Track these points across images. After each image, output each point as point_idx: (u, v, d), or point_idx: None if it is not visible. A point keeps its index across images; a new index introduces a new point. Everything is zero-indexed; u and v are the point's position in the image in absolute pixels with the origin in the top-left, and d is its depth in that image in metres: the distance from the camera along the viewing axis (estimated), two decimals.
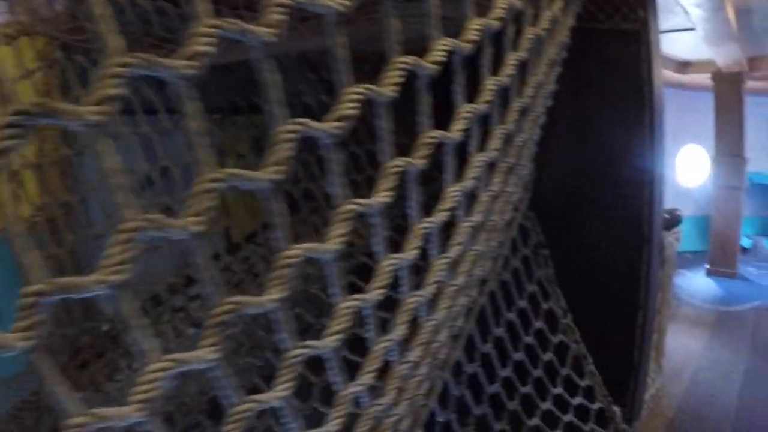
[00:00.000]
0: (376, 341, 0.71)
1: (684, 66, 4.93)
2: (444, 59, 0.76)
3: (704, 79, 5.04)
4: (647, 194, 2.10)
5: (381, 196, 0.65)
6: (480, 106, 0.97)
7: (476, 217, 1.06)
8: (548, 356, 1.94)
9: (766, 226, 6.48)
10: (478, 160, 1.01)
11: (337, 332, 0.60)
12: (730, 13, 3.05)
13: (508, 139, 1.24)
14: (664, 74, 4.82)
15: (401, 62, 0.66)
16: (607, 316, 2.16)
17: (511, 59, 1.12)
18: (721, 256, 5.06)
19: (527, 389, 1.86)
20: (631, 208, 2.11)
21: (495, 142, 1.14)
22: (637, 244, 2.13)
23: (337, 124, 0.56)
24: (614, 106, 2.12)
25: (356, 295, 0.64)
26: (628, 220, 2.11)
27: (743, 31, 3.54)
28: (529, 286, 1.86)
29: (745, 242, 5.89)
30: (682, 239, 5.91)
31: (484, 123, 1.05)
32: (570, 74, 1.75)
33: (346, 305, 0.63)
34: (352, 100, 0.58)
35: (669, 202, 6.09)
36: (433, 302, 0.93)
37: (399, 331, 0.77)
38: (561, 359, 1.99)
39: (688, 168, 6.27)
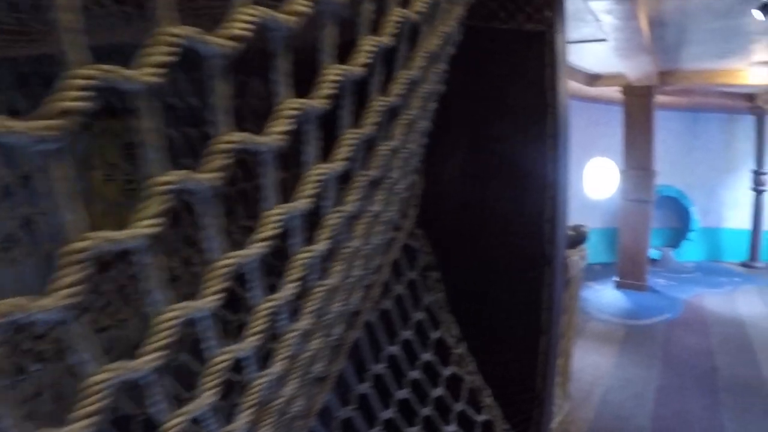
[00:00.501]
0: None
1: (594, 78, 4.97)
2: None
3: (614, 92, 5.11)
4: (549, 210, 1.93)
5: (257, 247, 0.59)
6: (316, 102, 0.72)
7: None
8: (439, 391, 1.71)
9: (673, 237, 6.72)
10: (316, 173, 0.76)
11: None
12: (644, 24, 3.00)
13: (370, 146, 0.99)
14: (572, 86, 4.84)
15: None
16: (507, 343, 1.97)
17: (366, 45, 0.87)
18: (629, 269, 5.13)
19: (414, 431, 1.62)
20: (531, 225, 1.93)
21: (343, 151, 0.88)
22: (538, 263, 1.95)
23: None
24: (514, 114, 1.94)
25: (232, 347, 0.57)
26: (528, 238, 1.92)
27: (656, 44, 3.53)
28: (415, 313, 1.62)
29: (654, 254, 6.05)
30: (591, 251, 6.01)
31: (327, 124, 0.79)
32: (467, 78, 1.54)
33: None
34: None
35: (576, 215, 6.14)
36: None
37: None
38: (454, 393, 1.77)
39: (596, 181, 6.38)
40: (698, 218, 6.57)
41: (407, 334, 1.60)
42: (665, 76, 4.63)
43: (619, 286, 5.19)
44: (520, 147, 1.93)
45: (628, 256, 5.11)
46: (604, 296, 5.02)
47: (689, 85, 4.88)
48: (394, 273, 1.55)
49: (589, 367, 3.12)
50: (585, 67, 4.77)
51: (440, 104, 1.44)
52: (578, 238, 2.37)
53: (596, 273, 5.86)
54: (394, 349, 1.56)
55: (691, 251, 6.48)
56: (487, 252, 1.88)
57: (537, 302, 1.96)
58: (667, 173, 6.25)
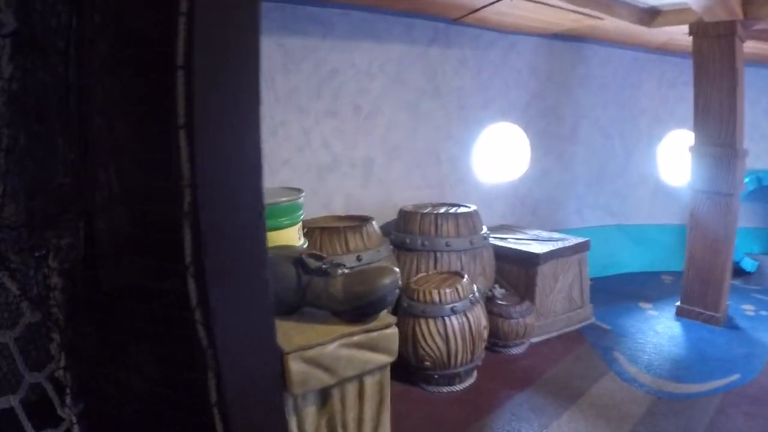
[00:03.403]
0: None
1: (650, 15, 3.41)
2: None
3: (680, 35, 3.52)
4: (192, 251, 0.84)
5: None
6: None
7: None
8: None
9: None
10: None
11: None
12: None
13: None
14: (621, 29, 3.30)
15: None
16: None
17: None
18: (699, 289, 3.59)
19: None
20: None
21: None
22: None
23: None
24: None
25: None
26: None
27: None
28: None
29: (747, 264, 4.34)
30: (661, 256, 4.44)
31: None
32: None
33: None
34: None
35: (647, 206, 4.48)
36: None
37: None
38: None
39: (672, 162, 4.72)
40: None
41: None
42: (754, 7, 3.00)
43: (681, 313, 3.67)
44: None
45: (699, 270, 3.57)
46: (651, 331, 3.55)
47: None
48: None
49: None
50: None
51: None
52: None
53: (661, 288, 4.31)
54: None
55: None
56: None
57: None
58: (763, 153, 4.49)
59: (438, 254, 3.17)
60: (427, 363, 2.75)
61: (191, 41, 0.92)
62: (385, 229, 3.51)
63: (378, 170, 3.66)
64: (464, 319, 2.73)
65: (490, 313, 3.18)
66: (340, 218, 3.31)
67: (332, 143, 3.48)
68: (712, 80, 3.29)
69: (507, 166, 4.24)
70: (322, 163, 3.47)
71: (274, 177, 3.33)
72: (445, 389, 2.77)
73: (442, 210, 3.37)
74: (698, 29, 3.24)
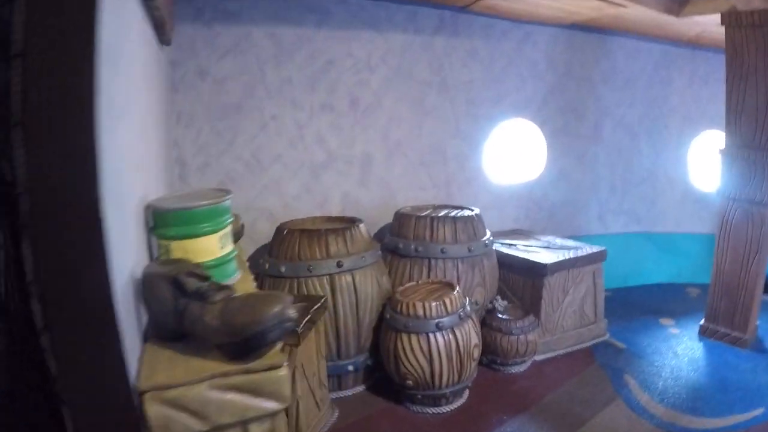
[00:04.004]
0: None
1: (679, 4, 3.07)
2: None
3: (714, 26, 3.17)
4: None
5: None
6: None
7: None
8: None
9: None
10: None
11: None
12: None
13: None
14: (650, 19, 2.99)
15: None
16: None
17: None
18: (726, 307, 3.25)
19: None
20: None
21: None
22: None
23: None
24: None
25: None
26: None
27: None
28: None
29: None
30: (689, 267, 4.08)
31: None
32: None
33: None
34: None
35: (676, 212, 4.12)
36: None
37: None
38: None
39: (703, 165, 4.33)
40: None
41: None
42: None
43: (705, 333, 3.33)
44: None
45: (726, 286, 3.23)
46: (670, 352, 3.24)
47: None
48: None
49: None
50: None
51: None
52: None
53: (686, 302, 3.96)
54: None
55: None
56: None
57: None
58: None
59: (432, 261, 2.93)
60: (409, 382, 2.53)
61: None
62: (385, 232, 3.30)
63: (378, 168, 3.44)
64: (451, 336, 2.49)
65: (489, 328, 2.93)
66: (330, 219, 3.10)
67: (328, 138, 3.28)
68: (746, 75, 2.94)
69: (521, 167, 3.95)
70: (317, 159, 3.27)
71: (265, 173, 3.16)
72: (431, 410, 2.54)
73: (442, 213, 3.13)
74: (731, 18, 2.89)
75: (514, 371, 2.96)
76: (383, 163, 3.45)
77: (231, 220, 1.41)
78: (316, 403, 2.37)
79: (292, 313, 0.99)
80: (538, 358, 3.09)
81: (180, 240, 1.25)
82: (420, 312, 2.48)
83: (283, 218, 3.05)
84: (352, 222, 2.90)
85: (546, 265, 3.04)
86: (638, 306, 3.90)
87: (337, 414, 2.52)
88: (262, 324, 0.94)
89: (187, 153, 2.99)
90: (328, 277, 2.60)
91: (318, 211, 3.31)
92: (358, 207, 3.42)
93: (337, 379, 2.72)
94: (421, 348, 2.47)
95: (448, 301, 2.51)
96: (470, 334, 2.55)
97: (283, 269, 2.61)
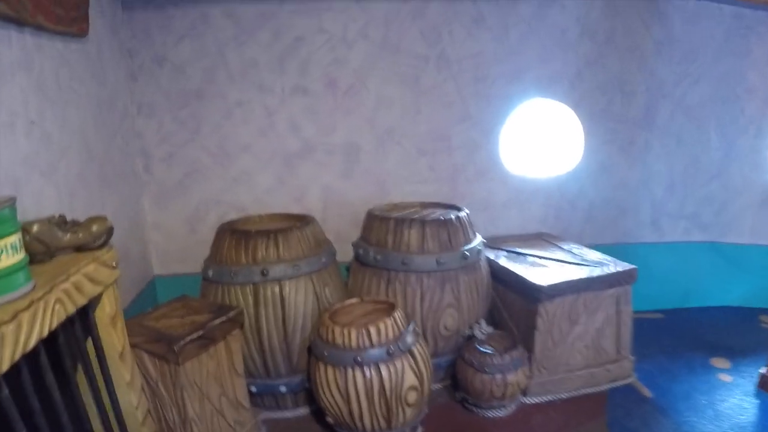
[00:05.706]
0: None
1: None
2: None
3: None
4: None
5: None
6: None
7: None
8: None
9: None
10: None
11: None
12: None
13: None
14: None
15: None
16: None
17: None
18: None
19: None
20: None
21: None
22: None
23: None
24: None
25: None
26: None
27: None
28: None
29: None
30: (763, 290, 3.25)
31: None
32: None
33: None
34: None
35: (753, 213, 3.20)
36: None
37: None
38: None
39: None
40: None
41: None
42: None
43: (766, 386, 2.44)
44: None
45: None
46: (710, 410, 2.42)
47: None
48: None
49: None
50: None
51: None
52: None
53: (753, 336, 2.98)
54: None
55: None
56: None
57: None
58: None
59: (393, 274, 2.45)
60: (329, 419, 2.13)
61: None
62: None
63: (366, 158, 3.00)
64: (374, 373, 2.02)
65: (462, 359, 2.40)
66: (287, 217, 2.73)
67: (303, 125, 2.91)
68: None
69: (550, 157, 3.21)
70: (291, 149, 2.93)
71: (232, 165, 2.90)
72: None
73: (423, 213, 2.61)
74: None
75: (491, 415, 2.39)
76: (372, 153, 3.00)
77: (13, 230, 1.19)
78: (229, 424, 2.08)
79: None
80: (531, 400, 2.48)
81: None
82: (339, 340, 2.05)
83: (256, 214, 2.76)
84: (305, 222, 2.51)
85: (541, 287, 2.38)
86: (689, 336, 3.02)
87: None
88: None
89: (150, 144, 2.84)
90: (251, 286, 2.27)
91: (296, 206, 2.99)
92: (342, 202, 3.02)
93: (272, 397, 2.42)
94: (337, 383, 2.05)
95: (374, 331, 2.04)
96: (403, 374, 2.05)
97: (210, 273, 2.34)
